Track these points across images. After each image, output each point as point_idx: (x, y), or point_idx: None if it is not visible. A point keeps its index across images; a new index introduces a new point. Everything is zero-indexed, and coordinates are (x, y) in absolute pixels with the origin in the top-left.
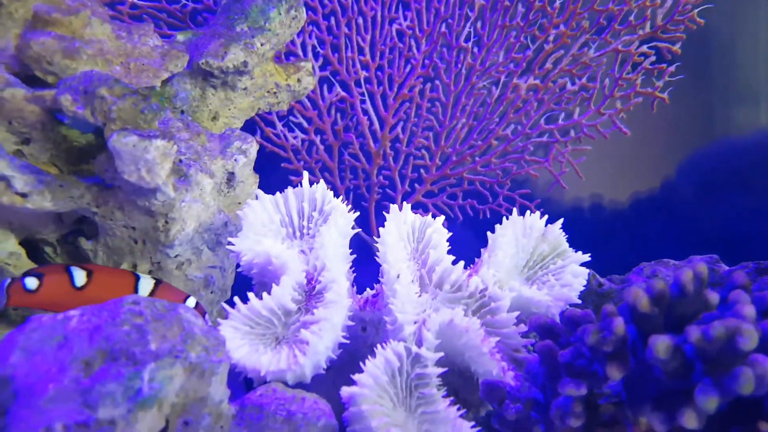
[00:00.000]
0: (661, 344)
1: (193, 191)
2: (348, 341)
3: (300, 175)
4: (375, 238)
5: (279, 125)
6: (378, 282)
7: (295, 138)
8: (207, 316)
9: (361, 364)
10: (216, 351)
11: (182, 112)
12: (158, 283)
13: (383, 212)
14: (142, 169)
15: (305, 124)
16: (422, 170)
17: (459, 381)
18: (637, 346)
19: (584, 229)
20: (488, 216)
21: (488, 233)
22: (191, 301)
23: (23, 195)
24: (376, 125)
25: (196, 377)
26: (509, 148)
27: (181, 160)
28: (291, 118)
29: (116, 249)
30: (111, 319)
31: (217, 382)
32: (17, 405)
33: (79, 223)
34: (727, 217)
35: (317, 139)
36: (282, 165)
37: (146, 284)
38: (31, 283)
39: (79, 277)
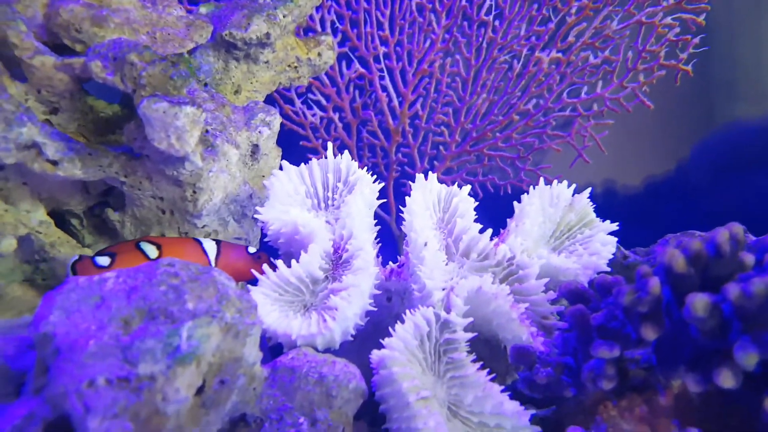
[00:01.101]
0: (699, 302)
1: (220, 162)
2: (375, 308)
3: (318, 153)
4: (401, 207)
5: (298, 102)
6: (397, 258)
7: (313, 116)
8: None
9: (390, 329)
10: (249, 313)
11: (205, 84)
12: (218, 242)
13: (402, 190)
14: (172, 137)
15: (324, 102)
16: (441, 147)
17: (484, 350)
18: (671, 307)
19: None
20: (509, 192)
21: (515, 203)
22: (252, 249)
23: (54, 162)
24: (395, 102)
25: (231, 337)
26: (531, 123)
27: (207, 131)
28: (309, 95)
29: (144, 219)
30: (147, 280)
31: (251, 344)
32: (60, 360)
33: (105, 195)
34: (743, 199)
35: (335, 117)
36: (301, 143)
37: (211, 246)
38: (103, 260)
39: (151, 252)
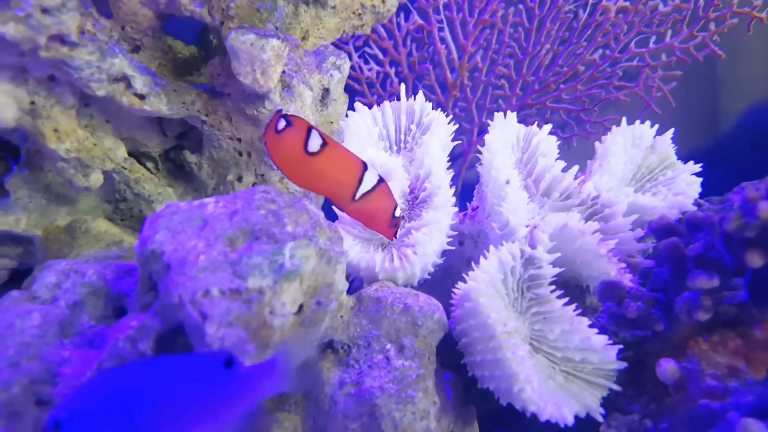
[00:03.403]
0: None
1: (296, 102)
2: (452, 248)
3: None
4: (480, 147)
5: (355, 56)
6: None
7: (369, 70)
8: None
9: (473, 264)
10: (337, 242)
11: (276, 28)
12: (381, 180)
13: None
14: (257, 71)
15: (380, 56)
16: (501, 101)
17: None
18: None
19: None
20: (575, 144)
21: (596, 143)
22: (399, 211)
23: (141, 97)
24: (454, 54)
25: (325, 263)
26: (597, 74)
27: (284, 71)
28: (366, 49)
29: (221, 161)
30: (247, 205)
31: (340, 271)
32: (171, 274)
33: (180, 138)
34: None
35: (392, 72)
36: (356, 99)
37: (371, 177)
38: (280, 124)
39: (314, 143)
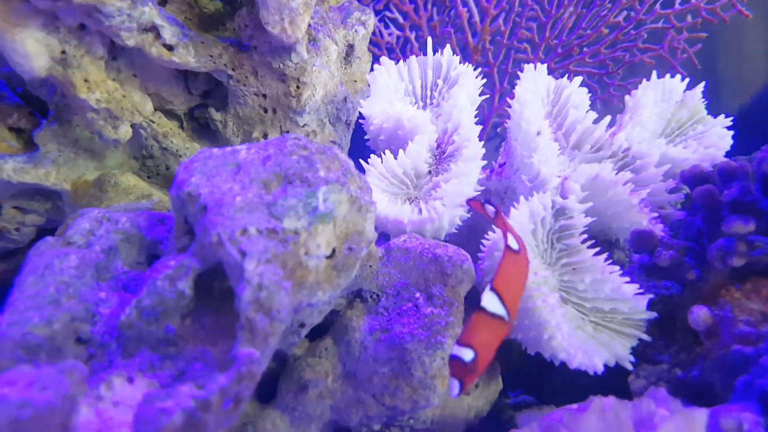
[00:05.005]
0: None
1: (322, 57)
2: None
3: None
4: (509, 104)
5: (375, 20)
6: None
7: (389, 35)
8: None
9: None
10: (367, 191)
11: None
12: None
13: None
14: (286, 20)
15: (401, 20)
16: (524, 65)
17: None
18: None
19: None
20: (599, 107)
21: (626, 96)
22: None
23: (170, 48)
24: (476, 17)
25: (356, 210)
26: (621, 36)
27: (310, 24)
28: (386, 13)
29: (246, 119)
30: (280, 150)
31: (370, 220)
32: (209, 214)
33: (204, 96)
34: None
35: (412, 36)
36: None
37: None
38: (467, 354)
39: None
